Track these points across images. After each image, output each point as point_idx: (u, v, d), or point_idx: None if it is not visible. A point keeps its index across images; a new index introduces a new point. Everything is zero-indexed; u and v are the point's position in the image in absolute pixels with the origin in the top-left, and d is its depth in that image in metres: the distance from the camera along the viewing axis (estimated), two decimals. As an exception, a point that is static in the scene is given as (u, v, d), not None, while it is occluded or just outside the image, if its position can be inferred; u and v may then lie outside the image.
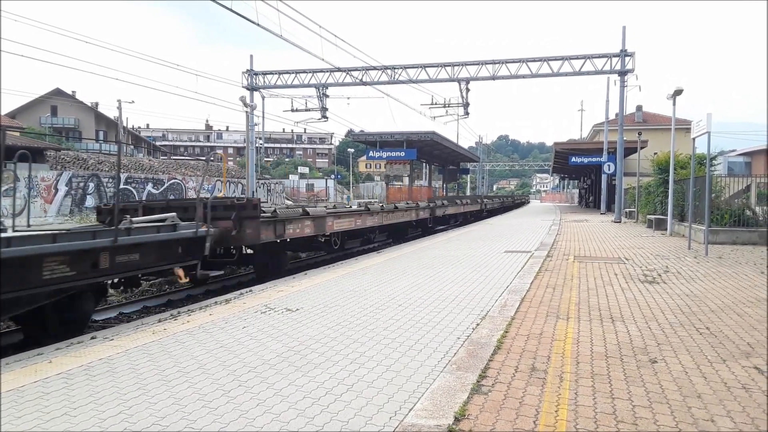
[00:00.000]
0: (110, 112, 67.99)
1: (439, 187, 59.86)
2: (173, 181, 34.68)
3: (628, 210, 28.24)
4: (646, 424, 3.30)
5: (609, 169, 29.30)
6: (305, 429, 3.23)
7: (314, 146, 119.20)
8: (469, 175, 73.18)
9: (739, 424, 3.30)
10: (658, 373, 4.22)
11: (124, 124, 55.86)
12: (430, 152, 42.94)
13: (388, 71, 29.40)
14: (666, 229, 17.52)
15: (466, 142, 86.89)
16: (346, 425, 3.27)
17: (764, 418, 3.39)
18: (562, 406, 3.55)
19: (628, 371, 4.25)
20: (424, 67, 29.09)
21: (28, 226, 8.79)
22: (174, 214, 8.92)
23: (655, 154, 23.42)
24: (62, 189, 26.84)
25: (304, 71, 31.06)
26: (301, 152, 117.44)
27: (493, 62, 28.07)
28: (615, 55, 25.97)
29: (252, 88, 31.28)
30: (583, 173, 54.40)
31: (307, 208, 12.13)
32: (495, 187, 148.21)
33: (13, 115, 60.61)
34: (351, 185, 75.93)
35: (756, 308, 6.48)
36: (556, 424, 3.28)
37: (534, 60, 27.51)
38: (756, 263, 10.50)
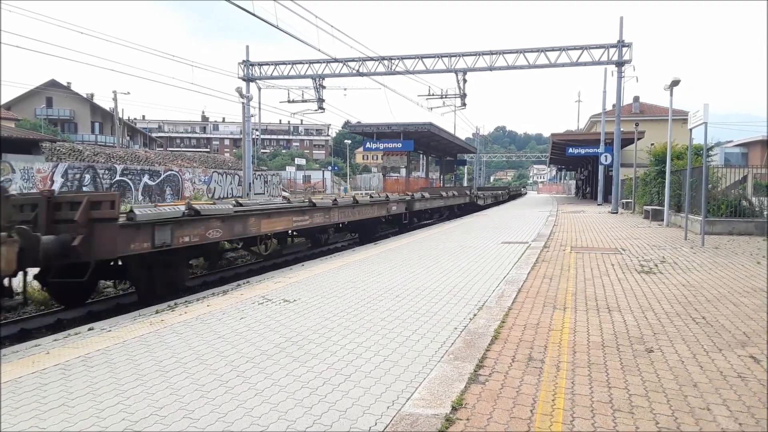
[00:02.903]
0: (106, 104, 67.75)
1: (436, 179, 59.86)
2: (170, 172, 34.56)
3: (625, 201, 28.30)
4: (643, 412, 3.31)
5: (606, 160, 29.32)
6: (303, 419, 3.23)
7: (311, 138, 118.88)
8: (466, 166, 73.15)
9: (735, 412, 3.32)
10: (655, 362, 4.24)
11: (120, 116, 55.56)
12: (428, 143, 42.92)
13: (385, 62, 29.28)
14: (663, 220, 17.56)
15: (463, 133, 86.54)
16: (343, 414, 3.28)
17: (760, 406, 3.41)
18: (558, 395, 3.56)
19: (624, 360, 4.27)
20: (421, 57, 28.98)
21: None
22: None
23: (652, 144, 23.44)
24: (58, 180, 26.72)
25: (300, 62, 30.91)
26: (297, 144, 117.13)
27: (491, 53, 27.97)
28: (612, 46, 25.90)
29: (248, 79, 31.13)
30: (580, 164, 54.45)
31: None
32: (492, 178, 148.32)
33: (8, 106, 60.26)
34: (348, 177, 75.80)
35: (752, 298, 6.51)
36: (552, 413, 3.30)
37: (531, 51, 27.42)
38: (752, 253, 10.54)
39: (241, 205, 10.82)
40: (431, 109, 33.13)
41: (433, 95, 31.35)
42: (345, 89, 33.90)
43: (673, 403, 3.45)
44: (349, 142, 79.99)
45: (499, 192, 44.23)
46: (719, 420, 3.22)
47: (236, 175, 40.45)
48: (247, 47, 31.29)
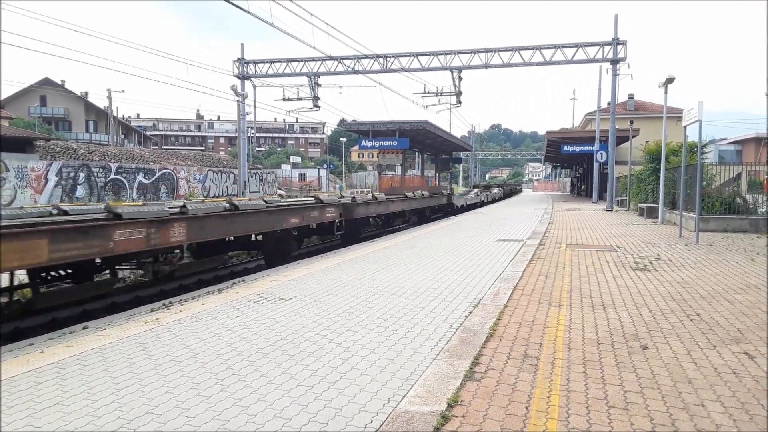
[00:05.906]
0: (100, 102, 67.41)
1: (432, 177, 59.85)
2: (164, 171, 34.45)
3: (619, 198, 28.36)
4: (638, 408, 3.33)
5: (601, 158, 29.37)
6: (299, 416, 3.23)
7: (306, 136, 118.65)
8: (461, 165, 73.23)
9: (730, 408, 3.34)
10: (649, 359, 4.25)
11: (115, 114, 55.33)
12: (423, 141, 42.84)
13: (381, 60, 29.24)
14: (657, 218, 17.63)
15: (458, 131, 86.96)
16: (339, 412, 3.28)
17: (754, 402, 3.43)
18: (554, 392, 3.57)
19: (619, 357, 4.29)
20: (416, 55, 28.95)
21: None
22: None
23: (647, 142, 23.49)
24: (52, 179, 26.60)
25: (295, 60, 30.82)
26: (293, 142, 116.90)
27: (486, 51, 27.97)
28: (607, 44, 25.94)
29: (243, 77, 31.04)
30: (575, 162, 54.51)
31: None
32: (488, 176, 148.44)
33: (1, 105, 59.84)
34: (344, 175, 75.78)
35: (746, 295, 6.54)
36: (548, 410, 3.31)
37: (526, 48, 27.43)
38: (746, 250, 10.59)
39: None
40: (426, 107, 33.11)
41: (428, 93, 31.28)
42: (340, 87, 33.85)
43: (668, 400, 3.46)
44: (345, 140, 79.97)
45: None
46: (714, 416, 3.23)
47: (231, 173, 40.35)
48: (242, 45, 31.22)
